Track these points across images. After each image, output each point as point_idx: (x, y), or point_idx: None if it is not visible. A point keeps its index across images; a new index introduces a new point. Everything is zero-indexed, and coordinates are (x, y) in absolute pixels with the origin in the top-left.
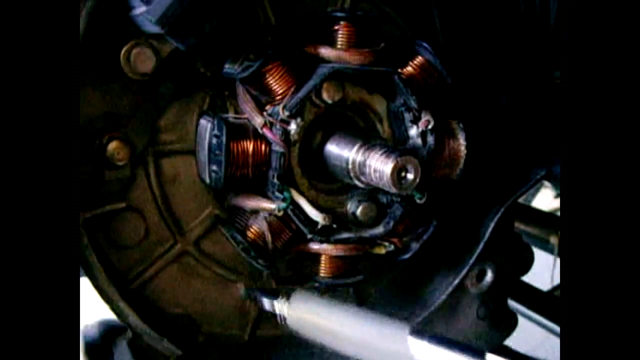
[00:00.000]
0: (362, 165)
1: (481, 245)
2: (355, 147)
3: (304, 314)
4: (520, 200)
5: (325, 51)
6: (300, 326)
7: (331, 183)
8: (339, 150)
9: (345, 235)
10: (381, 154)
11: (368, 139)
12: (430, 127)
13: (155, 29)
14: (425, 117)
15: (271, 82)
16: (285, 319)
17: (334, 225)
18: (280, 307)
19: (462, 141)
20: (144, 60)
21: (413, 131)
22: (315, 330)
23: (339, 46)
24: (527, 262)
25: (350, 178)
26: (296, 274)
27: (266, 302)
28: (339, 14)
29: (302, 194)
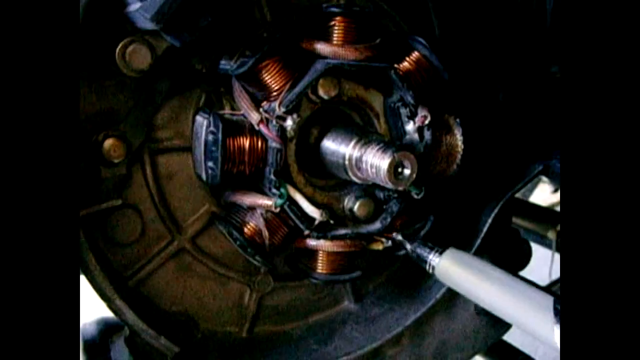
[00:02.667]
0: (359, 160)
1: (479, 240)
2: (352, 143)
3: (452, 267)
4: (518, 195)
5: (321, 47)
6: (447, 278)
7: (328, 179)
8: (336, 146)
9: (342, 231)
10: (378, 150)
11: (364, 135)
12: (427, 122)
13: (150, 25)
14: (422, 112)
15: (267, 78)
16: (433, 268)
17: (331, 221)
18: (432, 257)
19: (459, 136)
20: (139, 57)
21: (410, 127)
22: (460, 285)
23: (335, 42)
24: (525, 257)
25: (347, 174)
26: (293, 270)
27: (419, 251)
28: (334, 10)
29: (298, 190)
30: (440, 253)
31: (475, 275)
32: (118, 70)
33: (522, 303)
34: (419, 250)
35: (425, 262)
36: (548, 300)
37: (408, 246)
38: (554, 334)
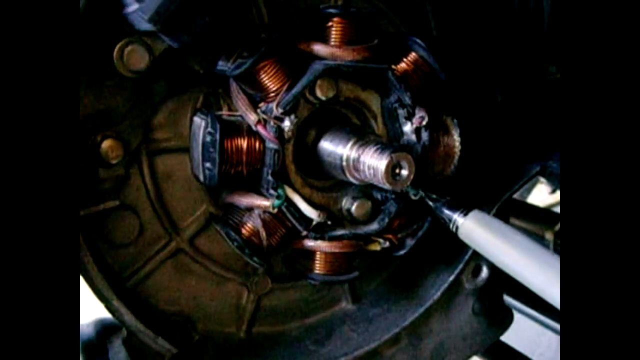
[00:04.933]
0: (356, 161)
1: None
2: (349, 144)
3: (476, 228)
4: (516, 196)
5: (318, 48)
6: (470, 239)
7: (325, 180)
8: (333, 147)
9: (340, 232)
10: (375, 151)
11: (362, 136)
12: (424, 123)
13: (148, 26)
14: (419, 113)
15: (265, 79)
16: (457, 228)
17: (329, 222)
18: (457, 217)
19: (456, 137)
20: (137, 58)
21: (407, 127)
22: (483, 246)
23: (332, 43)
24: None
25: (345, 175)
26: (291, 271)
27: (445, 210)
28: (332, 11)
29: (296, 191)
30: (466, 214)
31: (498, 238)
32: (116, 71)
33: (543, 269)
34: (444, 209)
35: (450, 221)
36: None
37: (431, 203)
38: None
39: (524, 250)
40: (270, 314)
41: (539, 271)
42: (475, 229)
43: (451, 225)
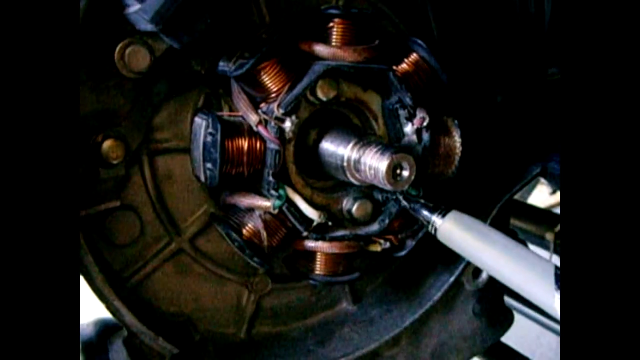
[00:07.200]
0: (357, 162)
1: None
2: (350, 145)
3: (455, 229)
4: (516, 196)
5: (320, 48)
6: (449, 240)
7: (326, 180)
8: (334, 148)
9: (340, 232)
10: (376, 151)
11: (363, 137)
12: (425, 124)
13: (149, 27)
14: (420, 114)
15: (266, 79)
16: (436, 230)
17: (329, 223)
18: (435, 219)
19: (457, 138)
20: (138, 59)
21: (408, 128)
22: (462, 247)
23: (333, 43)
24: None
25: (346, 175)
26: (292, 272)
27: (423, 211)
28: (333, 11)
29: (297, 191)
30: (444, 215)
31: (477, 239)
32: (117, 72)
33: (524, 268)
34: (422, 211)
35: (428, 222)
36: (549, 267)
37: (406, 204)
38: (554, 299)
39: (503, 249)
40: (271, 315)
41: (519, 270)
42: (454, 231)
43: (429, 227)
